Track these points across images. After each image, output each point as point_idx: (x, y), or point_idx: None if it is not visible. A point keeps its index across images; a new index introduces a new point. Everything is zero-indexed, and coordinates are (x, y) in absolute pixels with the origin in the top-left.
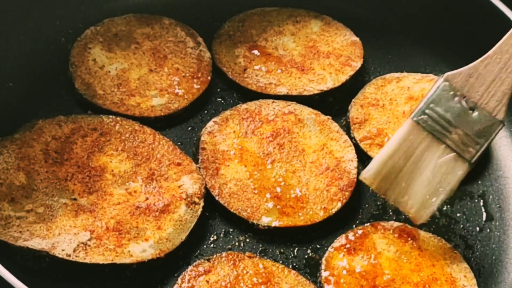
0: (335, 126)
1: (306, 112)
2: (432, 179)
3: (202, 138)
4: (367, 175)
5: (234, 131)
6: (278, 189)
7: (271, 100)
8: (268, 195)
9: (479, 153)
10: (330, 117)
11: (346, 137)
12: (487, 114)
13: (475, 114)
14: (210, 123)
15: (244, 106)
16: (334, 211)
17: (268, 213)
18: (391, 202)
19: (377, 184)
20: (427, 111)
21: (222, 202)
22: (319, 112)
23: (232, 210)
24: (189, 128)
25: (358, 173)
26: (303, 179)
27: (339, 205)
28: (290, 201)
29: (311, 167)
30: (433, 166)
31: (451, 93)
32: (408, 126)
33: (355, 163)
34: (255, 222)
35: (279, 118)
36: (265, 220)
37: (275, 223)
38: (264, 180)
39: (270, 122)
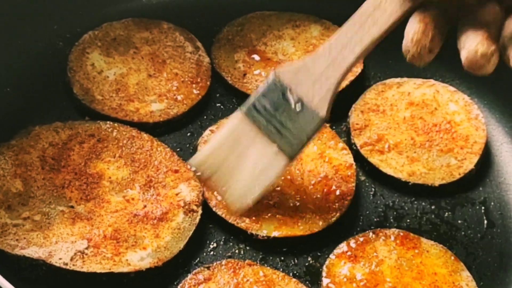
0: (332, 133)
1: None
2: (253, 171)
3: (199, 148)
4: (193, 162)
5: None
6: (277, 198)
7: None
8: (266, 205)
9: (299, 149)
10: (327, 124)
11: (343, 144)
12: (311, 111)
13: (300, 109)
14: (207, 131)
15: None
16: (333, 220)
17: (266, 223)
18: (213, 191)
19: (202, 172)
20: (256, 103)
21: (219, 213)
22: None
23: (230, 221)
24: (188, 134)
25: (358, 181)
26: (301, 188)
27: (338, 214)
28: (289, 211)
29: (309, 176)
30: (255, 158)
31: (280, 87)
32: (237, 117)
33: (353, 171)
34: (253, 232)
35: None
36: (264, 231)
37: (274, 233)
38: None
39: None
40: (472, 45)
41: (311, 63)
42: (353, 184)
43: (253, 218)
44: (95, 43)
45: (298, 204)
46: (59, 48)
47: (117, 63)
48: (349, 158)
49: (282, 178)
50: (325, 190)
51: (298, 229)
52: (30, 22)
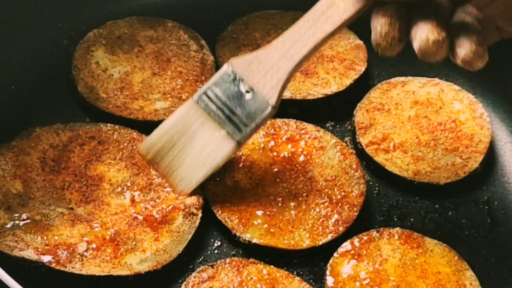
0: (356, 160)
1: (332, 142)
2: (199, 154)
3: None
4: (142, 148)
5: (253, 143)
6: (274, 208)
7: (300, 122)
8: (261, 212)
9: (248, 135)
10: (354, 151)
11: (361, 173)
12: (261, 99)
13: (250, 98)
14: None
15: (272, 121)
16: (321, 243)
17: (254, 228)
18: (160, 175)
19: (150, 157)
20: (207, 92)
21: (213, 208)
22: (345, 145)
23: (219, 217)
24: None
25: (362, 210)
26: (302, 205)
27: (329, 237)
28: (281, 222)
29: (315, 195)
30: (203, 142)
31: (232, 77)
32: (187, 104)
33: (361, 201)
34: (237, 234)
35: (302, 141)
36: (247, 235)
37: (255, 240)
38: (264, 197)
39: (292, 142)
40: (423, 34)
41: (264, 55)
42: (356, 213)
43: (243, 220)
44: (99, 41)
45: (293, 218)
46: (64, 46)
47: (121, 61)
48: (363, 187)
49: (287, 190)
50: (325, 212)
51: (282, 242)
52: (35, 20)
